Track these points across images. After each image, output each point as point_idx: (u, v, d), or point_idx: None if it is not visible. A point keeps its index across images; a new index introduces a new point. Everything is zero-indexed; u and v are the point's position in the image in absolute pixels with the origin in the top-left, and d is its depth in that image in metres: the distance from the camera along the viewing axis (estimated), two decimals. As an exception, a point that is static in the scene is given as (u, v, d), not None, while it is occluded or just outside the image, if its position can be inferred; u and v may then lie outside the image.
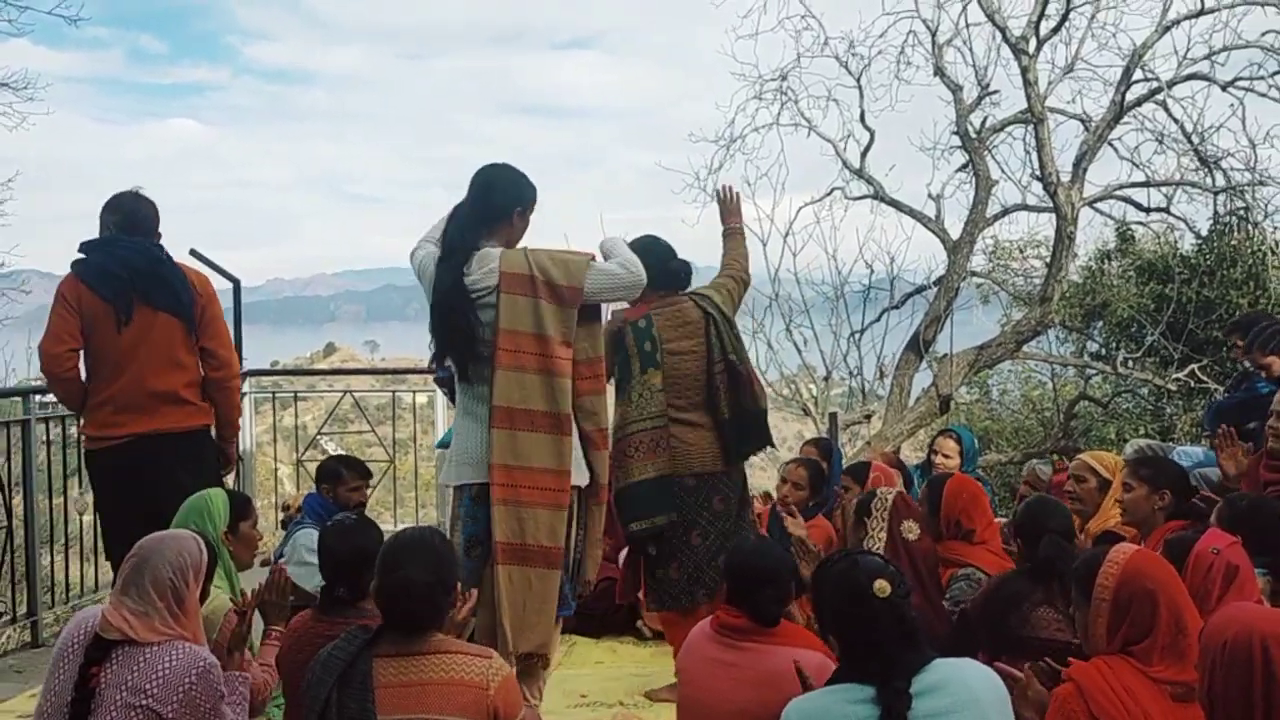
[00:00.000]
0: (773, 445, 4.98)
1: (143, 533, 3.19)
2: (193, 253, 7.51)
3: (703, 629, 3.16)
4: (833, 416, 8.03)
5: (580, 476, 3.77)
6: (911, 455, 14.11)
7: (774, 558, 3.15)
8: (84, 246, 4.46)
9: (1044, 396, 15.35)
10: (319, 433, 7.86)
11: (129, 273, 4.35)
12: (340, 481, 5.08)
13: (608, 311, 4.33)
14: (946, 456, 5.77)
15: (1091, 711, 2.53)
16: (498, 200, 3.80)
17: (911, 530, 3.77)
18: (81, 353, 4.41)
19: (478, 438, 3.70)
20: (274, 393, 8.07)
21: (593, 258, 3.84)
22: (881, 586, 2.39)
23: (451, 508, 3.88)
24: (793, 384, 14.24)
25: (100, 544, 5.65)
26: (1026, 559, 3.59)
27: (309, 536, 4.63)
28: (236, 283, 7.48)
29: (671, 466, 4.38)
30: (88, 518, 6.12)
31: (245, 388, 7.48)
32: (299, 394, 8.10)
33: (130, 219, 4.47)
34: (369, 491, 5.41)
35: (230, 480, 7.34)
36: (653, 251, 4.38)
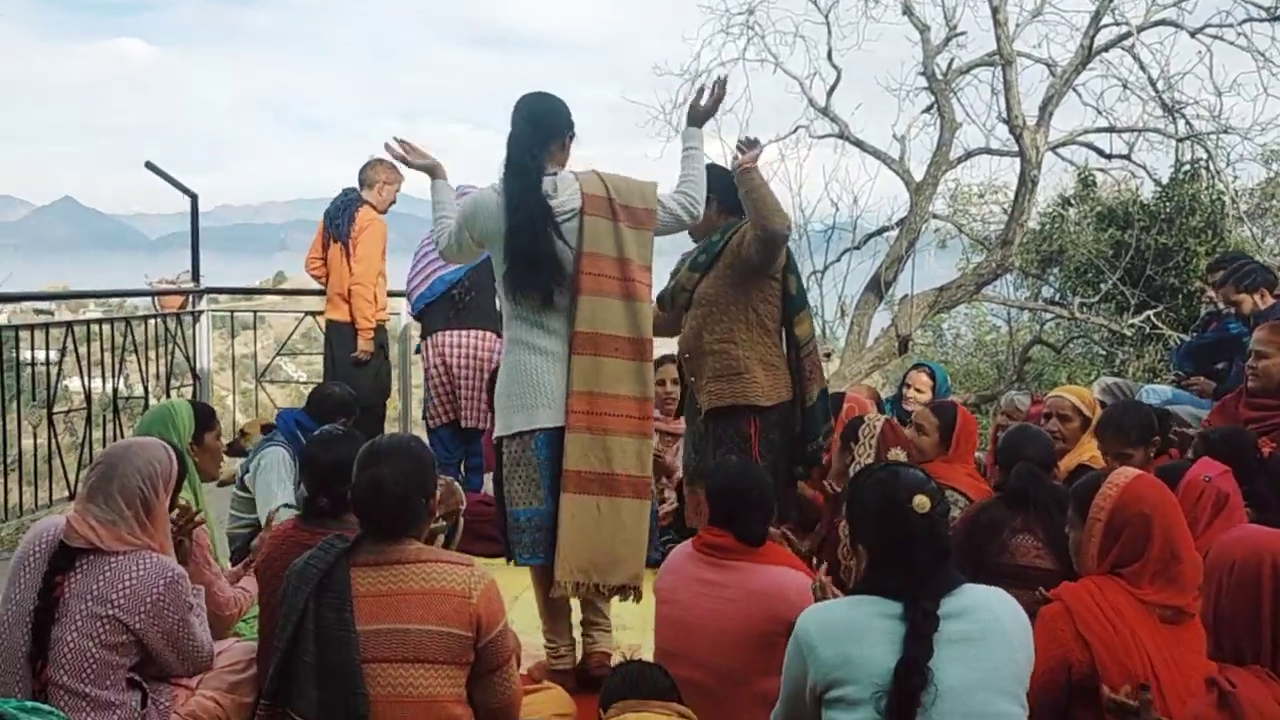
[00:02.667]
0: None
1: None
2: (149, 165, 7.33)
3: (684, 549, 3.13)
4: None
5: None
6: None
7: (758, 479, 3.12)
8: None
9: (998, 340, 15.51)
10: (278, 354, 7.72)
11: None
12: (352, 417, 4.98)
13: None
14: (919, 391, 5.75)
15: (1078, 630, 2.53)
16: (556, 122, 3.71)
17: (899, 458, 3.74)
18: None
19: (552, 377, 3.59)
20: (231, 312, 7.88)
21: (657, 185, 3.78)
22: (921, 502, 2.33)
23: (506, 457, 3.68)
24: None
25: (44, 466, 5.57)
26: (1004, 484, 3.57)
27: (276, 457, 4.53)
28: (194, 198, 7.29)
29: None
30: (28, 441, 5.99)
31: (202, 305, 7.33)
32: (258, 311, 7.94)
33: None
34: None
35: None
36: (725, 180, 4.16)
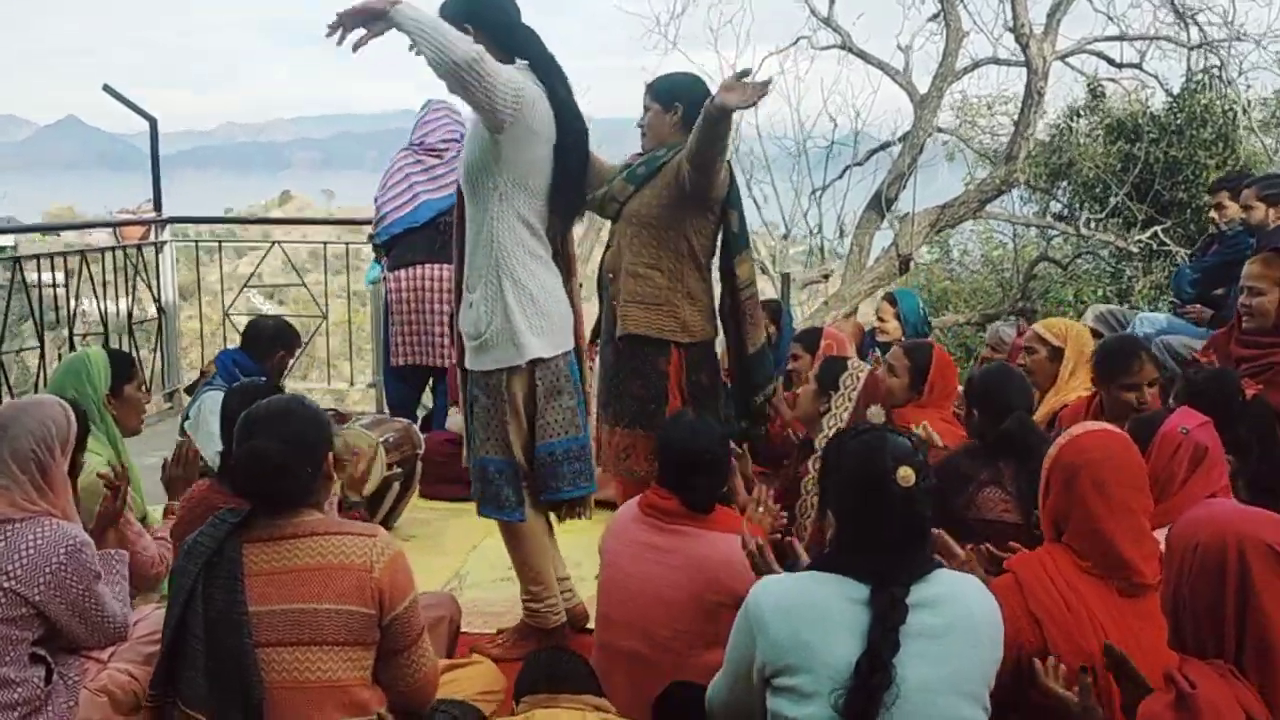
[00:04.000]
0: None
1: None
2: (106, 88, 7.04)
3: (630, 509, 2.91)
4: (785, 277, 7.69)
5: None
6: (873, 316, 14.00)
7: (712, 441, 2.87)
8: None
9: (1004, 257, 15.19)
10: (245, 285, 7.50)
11: None
12: (291, 349, 4.75)
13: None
14: (882, 320, 5.50)
15: (1029, 607, 2.32)
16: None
17: (877, 415, 3.50)
18: None
19: (564, 294, 3.43)
20: (196, 242, 7.63)
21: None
22: (905, 474, 2.06)
23: (542, 383, 3.35)
24: (750, 239, 13.94)
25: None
26: (980, 431, 3.33)
27: (216, 400, 4.31)
28: (153, 122, 7.00)
29: None
30: None
31: (165, 236, 7.07)
32: (222, 242, 7.68)
33: None
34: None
35: (154, 338, 7.02)
36: (697, 93, 3.70)
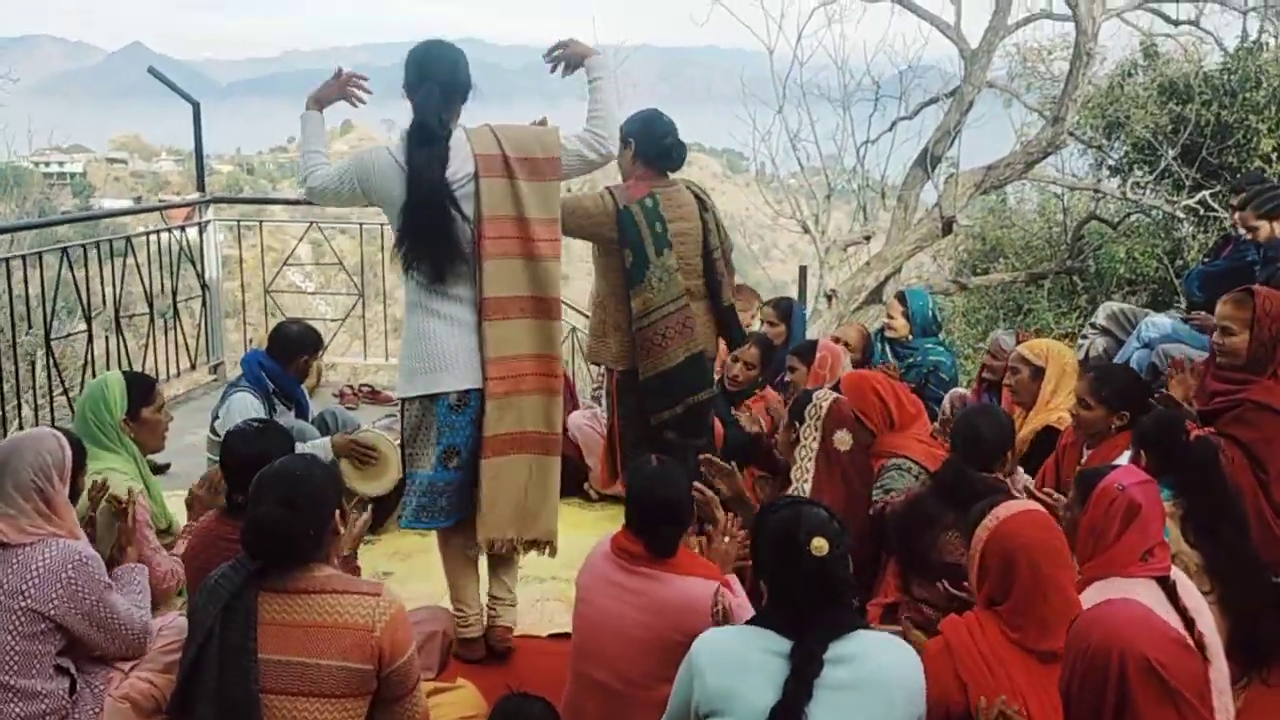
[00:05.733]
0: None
1: None
2: (151, 71, 7.26)
3: (603, 549, 3.12)
4: (802, 270, 7.75)
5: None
6: (915, 280, 13.96)
7: (675, 489, 3.04)
8: None
9: (1057, 209, 15.01)
10: (285, 263, 7.74)
11: None
12: (314, 353, 4.98)
13: (589, 185, 4.16)
14: (890, 318, 5.59)
15: (958, 672, 2.50)
16: (462, 76, 3.58)
17: (843, 442, 3.66)
18: None
19: (454, 341, 3.56)
20: (237, 222, 7.88)
21: (559, 130, 3.66)
22: (819, 545, 2.31)
23: (407, 419, 3.69)
24: (794, 199, 13.91)
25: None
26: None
27: (243, 402, 4.57)
28: (196, 106, 7.21)
29: (701, 344, 4.22)
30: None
31: (209, 215, 7.33)
32: (263, 222, 7.92)
33: None
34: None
35: (199, 313, 7.33)
36: (651, 128, 4.13)
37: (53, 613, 2.96)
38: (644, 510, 3.00)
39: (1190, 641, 2.20)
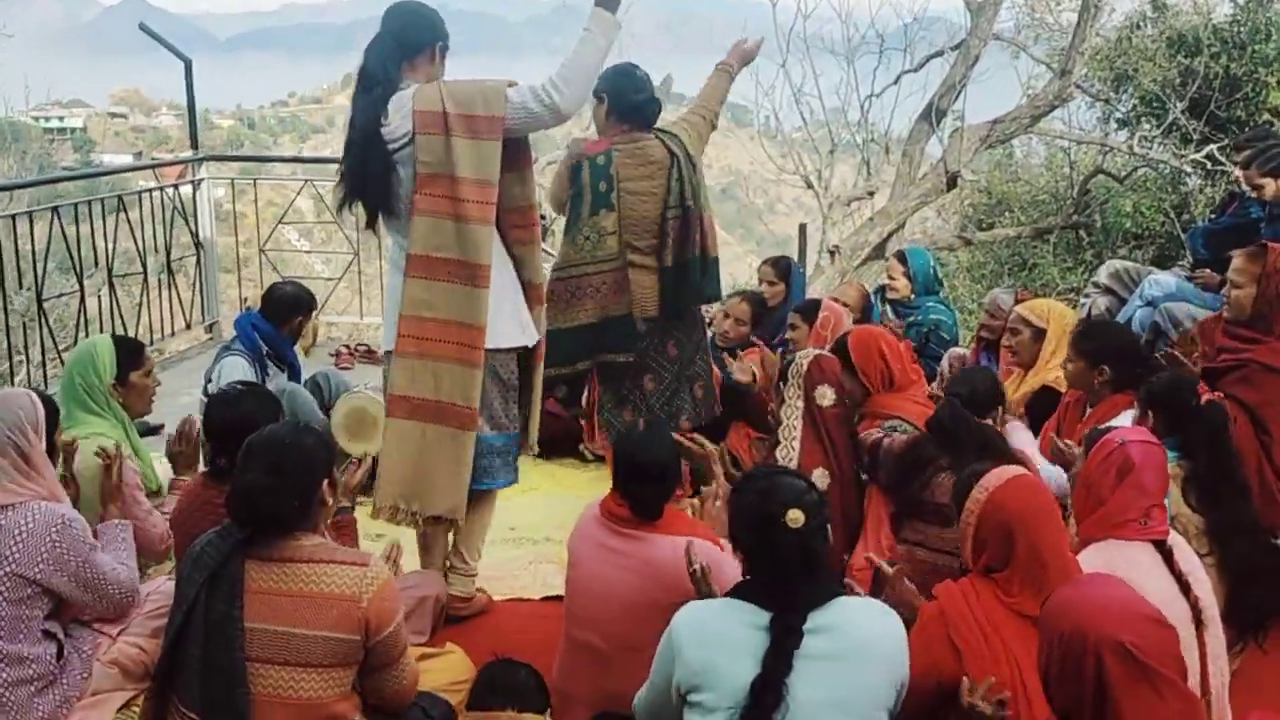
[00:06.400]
0: (719, 299, 4.80)
1: None
2: (142, 27, 7.16)
3: (592, 511, 3.09)
4: (802, 228, 7.70)
5: (525, 335, 3.64)
6: (919, 236, 13.86)
7: (661, 451, 3.01)
8: None
9: (1063, 163, 14.88)
10: (279, 221, 7.68)
11: None
12: (309, 314, 4.93)
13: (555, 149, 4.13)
14: (891, 278, 5.54)
15: (950, 637, 2.48)
16: (421, 32, 3.51)
17: (825, 396, 3.64)
18: None
19: (400, 294, 3.52)
20: (233, 180, 7.81)
21: (510, 84, 3.48)
22: (794, 516, 2.30)
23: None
24: (797, 155, 13.79)
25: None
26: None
27: (235, 366, 4.54)
28: (188, 63, 7.13)
29: (628, 308, 4.22)
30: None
31: (202, 173, 7.26)
32: (257, 180, 7.85)
33: None
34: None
35: (194, 272, 7.28)
36: (623, 83, 4.14)
37: (38, 576, 2.94)
38: (630, 472, 2.98)
39: (1165, 615, 2.17)
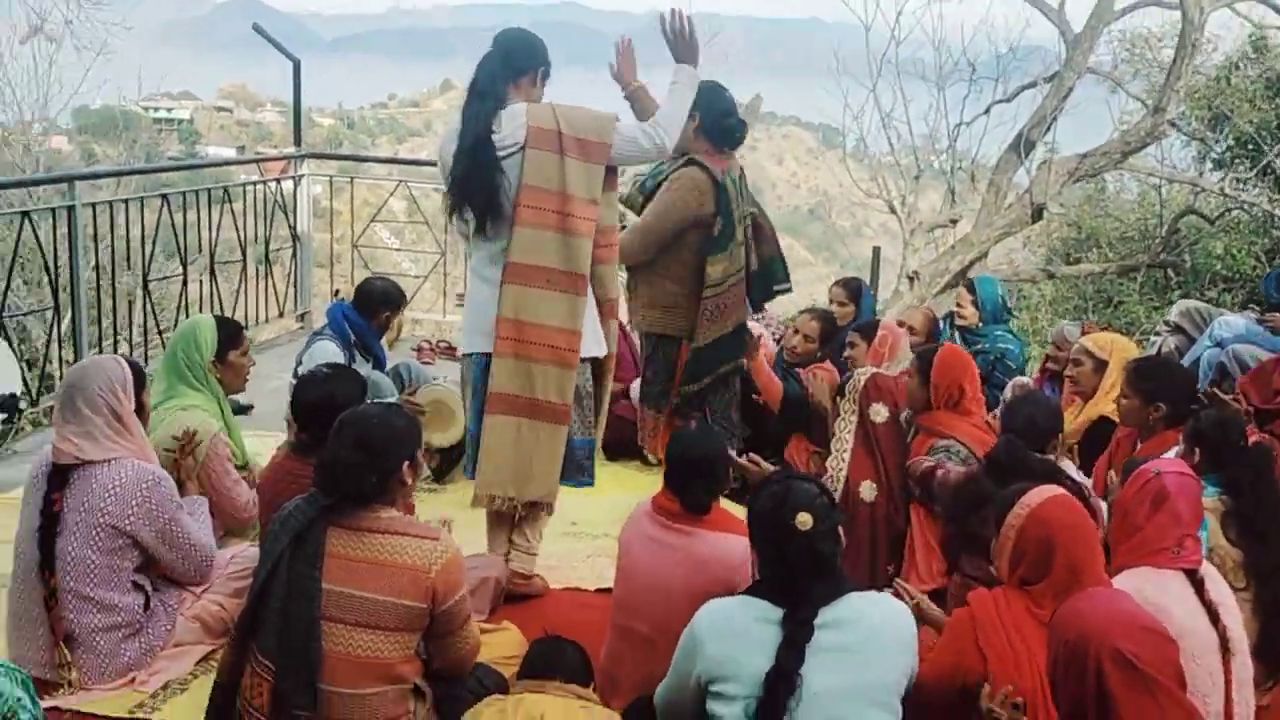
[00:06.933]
0: (791, 289, 5.05)
1: None
2: (255, 28, 7.51)
3: (644, 507, 3.25)
4: (876, 251, 7.78)
5: (599, 347, 3.89)
6: (1003, 266, 13.79)
7: (710, 449, 3.17)
8: None
9: (1155, 201, 14.70)
10: (373, 220, 7.98)
11: None
12: (397, 310, 5.18)
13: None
14: (960, 306, 5.61)
15: (978, 642, 2.60)
16: (528, 57, 3.78)
17: (879, 413, 3.76)
18: None
19: (493, 302, 3.74)
20: (331, 178, 8.14)
21: (616, 118, 3.80)
22: (803, 520, 2.46)
23: (463, 374, 3.98)
24: (882, 179, 13.83)
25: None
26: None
27: (325, 350, 4.78)
28: (296, 63, 7.46)
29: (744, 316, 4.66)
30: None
31: (303, 170, 7.60)
32: (354, 179, 8.17)
33: None
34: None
35: (290, 263, 7.61)
36: (717, 104, 4.38)
37: (129, 528, 3.19)
38: (681, 469, 3.14)
39: (1167, 629, 2.27)
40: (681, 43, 3.87)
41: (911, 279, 12.34)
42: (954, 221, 13.29)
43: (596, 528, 4.60)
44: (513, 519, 3.95)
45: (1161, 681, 2.13)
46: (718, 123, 4.29)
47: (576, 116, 3.71)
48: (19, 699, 2.05)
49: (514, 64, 3.72)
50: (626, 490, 5.07)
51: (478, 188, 3.66)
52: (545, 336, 3.72)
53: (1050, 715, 2.46)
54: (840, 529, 2.56)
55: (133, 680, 3.27)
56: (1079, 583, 2.56)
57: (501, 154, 3.65)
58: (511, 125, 3.67)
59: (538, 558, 4.04)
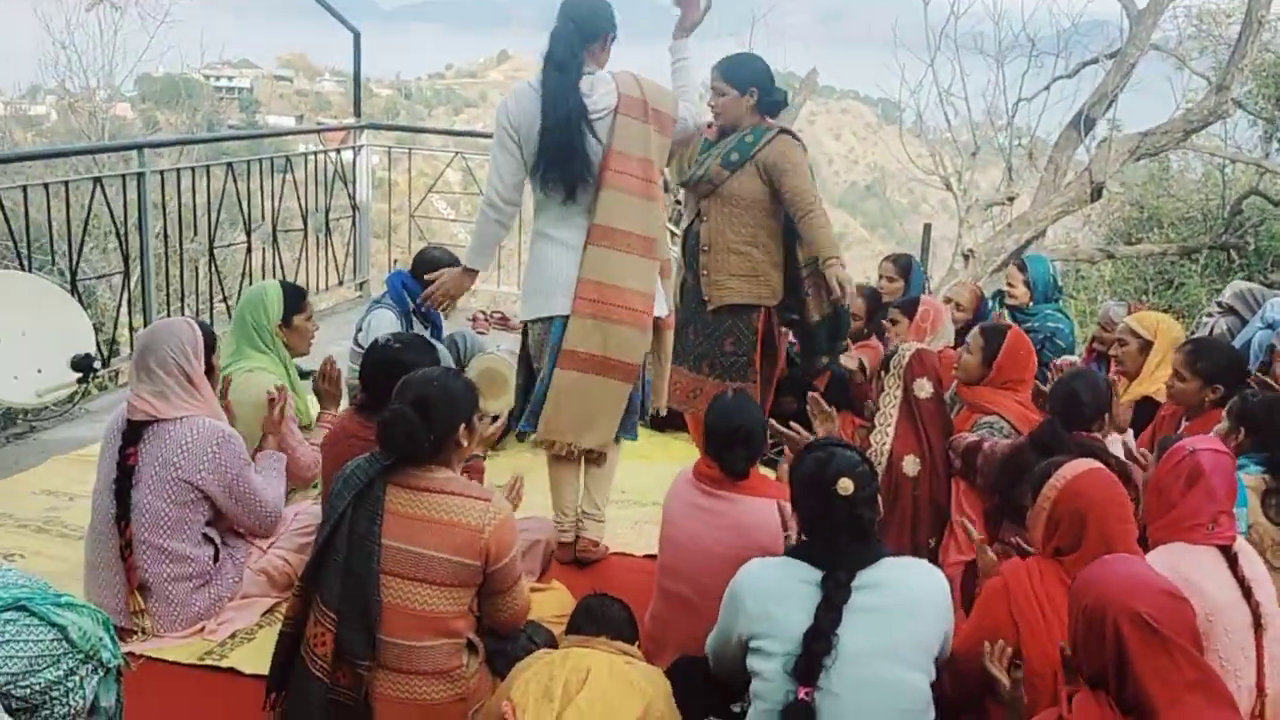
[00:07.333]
0: None
1: None
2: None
3: (685, 474, 3.35)
4: (926, 227, 7.77)
5: (664, 306, 4.02)
6: (1062, 246, 13.66)
7: (747, 417, 3.26)
8: None
9: (1218, 181, 14.47)
10: (430, 190, 8.11)
11: None
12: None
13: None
14: (1011, 286, 5.61)
15: (1011, 611, 2.68)
16: (599, 22, 3.86)
17: (923, 389, 3.82)
18: None
19: (570, 264, 3.86)
20: (389, 148, 8.27)
21: (678, 98, 3.98)
22: (844, 485, 2.55)
23: (530, 339, 4.04)
24: (937, 155, 13.76)
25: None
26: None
27: (384, 318, 4.92)
28: (356, 35, 7.59)
29: None
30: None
31: (363, 140, 7.74)
32: (412, 150, 8.30)
33: None
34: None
35: (349, 233, 7.77)
36: (768, 79, 4.40)
37: (200, 483, 3.35)
38: (719, 435, 3.24)
39: (1183, 592, 2.32)
40: (695, 13, 4.00)
41: (967, 256, 12.29)
42: (1011, 199, 13.20)
43: (645, 496, 4.71)
44: (577, 480, 4.12)
45: (1179, 642, 2.19)
46: (771, 95, 4.35)
47: (654, 89, 3.88)
48: (100, 639, 2.19)
49: (586, 32, 3.81)
50: (674, 460, 5.17)
51: (576, 157, 3.77)
52: (625, 299, 3.86)
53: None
54: (879, 498, 2.64)
55: (202, 629, 3.44)
56: (1112, 554, 2.62)
57: (594, 117, 3.78)
58: (601, 90, 3.80)
59: (577, 522, 4.19)
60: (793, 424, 3.79)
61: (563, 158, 3.77)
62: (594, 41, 3.84)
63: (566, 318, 3.87)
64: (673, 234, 5.61)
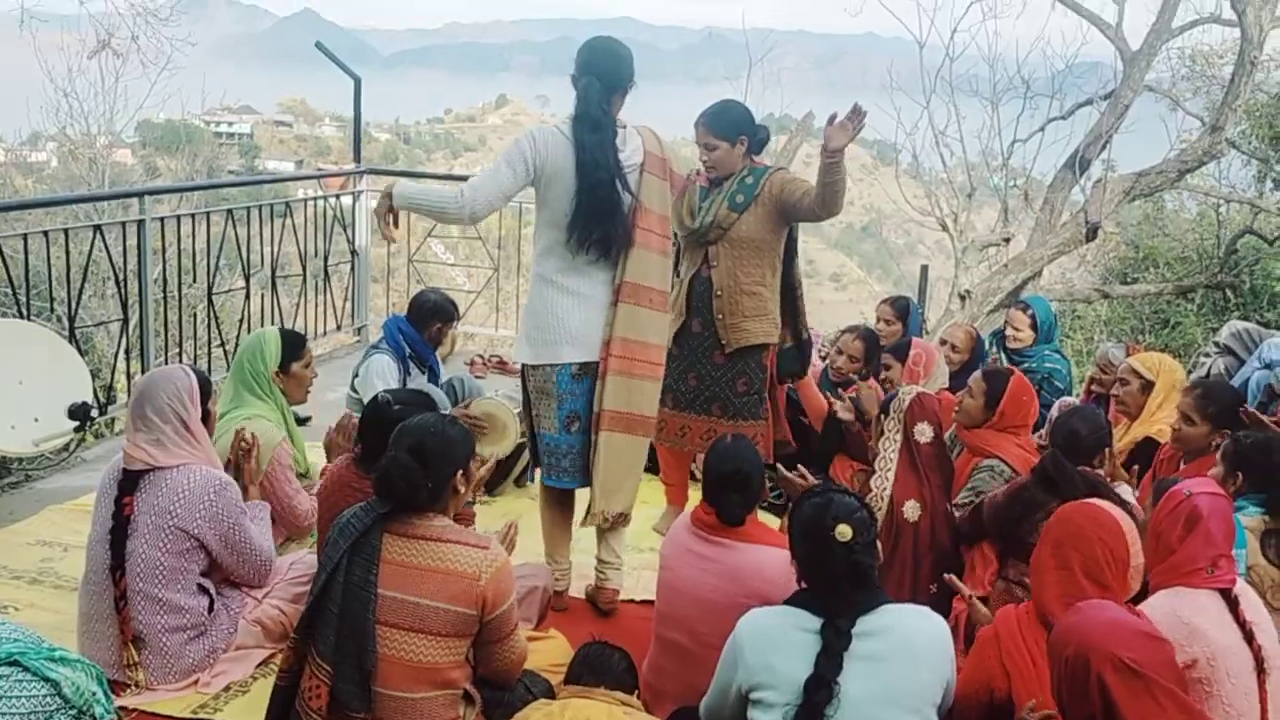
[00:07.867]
0: None
1: None
2: (318, 45, 7.71)
3: (683, 520, 3.34)
4: (923, 269, 7.81)
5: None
6: (1058, 286, 13.71)
7: (744, 462, 3.25)
8: None
9: (1213, 221, 14.54)
10: (428, 235, 8.14)
11: None
12: (449, 322, 5.31)
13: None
14: (1016, 329, 5.62)
15: (1003, 660, 2.68)
16: (622, 75, 3.86)
17: (924, 433, 3.81)
18: None
19: (582, 316, 3.87)
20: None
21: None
22: (843, 531, 2.54)
23: (531, 385, 4.02)
24: (933, 196, 13.81)
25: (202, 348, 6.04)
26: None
27: (381, 364, 4.93)
28: (357, 81, 7.65)
29: None
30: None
31: (362, 185, 7.78)
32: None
33: None
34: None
35: (348, 277, 7.79)
36: (753, 124, 4.43)
37: (196, 531, 3.34)
38: (716, 481, 3.23)
39: (1161, 633, 2.32)
40: (836, 139, 3.92)
41: (963, 297, 12.31)
42: (1007, 240, 13.24)
43: (643, 541, 4.69)
44: (570, 527, 4.12)
45: (1163, 684, 2.18)
46: (754, 137, 4.39)
47: (669, 147, 4.00)
48: (93, 694, 2.16)
49: (611, 84, 3.81)
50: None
51: (617, 214, 3.79)
52: (647, 354, 3.94)
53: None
54: (878, 543, 2.63)
55: (196, 682, 3.41)
56: (1083, 596, 2.61)
57: (626, 170, 3.83)
58: (630, 147, 3.86)
59: (571, 570, 4.19)
60: (800, 469, 3.80)
61: (604, 215, 3.77)
62: (616, 92, 3.85)
63: (570, 365, 3.88)
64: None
